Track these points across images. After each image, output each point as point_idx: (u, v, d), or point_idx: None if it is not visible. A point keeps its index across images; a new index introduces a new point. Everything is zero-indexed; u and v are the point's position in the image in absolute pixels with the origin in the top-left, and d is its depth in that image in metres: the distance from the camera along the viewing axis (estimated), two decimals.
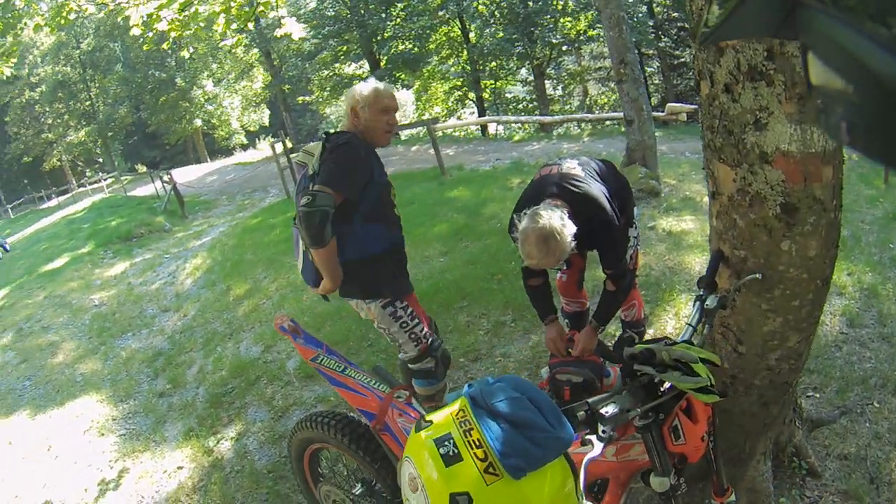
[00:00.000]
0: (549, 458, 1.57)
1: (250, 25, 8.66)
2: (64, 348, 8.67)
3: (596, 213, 3.18)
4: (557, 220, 2.90)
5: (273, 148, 13.91)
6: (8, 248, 21.80)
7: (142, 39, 8.31)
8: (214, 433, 5.22)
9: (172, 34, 7.62)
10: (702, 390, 1.81)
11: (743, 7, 0.79)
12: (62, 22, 7.83)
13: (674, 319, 5.09)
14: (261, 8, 7.61)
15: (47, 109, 44.52)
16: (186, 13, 7.41)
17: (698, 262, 6.01)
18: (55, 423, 6.63)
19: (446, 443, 1.56)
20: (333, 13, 28.53)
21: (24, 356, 8.94)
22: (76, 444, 5.98)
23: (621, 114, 9.06)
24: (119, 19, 8.28)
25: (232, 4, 7.44)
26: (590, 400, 1.84)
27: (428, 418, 1.73)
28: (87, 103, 45.23)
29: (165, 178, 18.24)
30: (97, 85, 44.89)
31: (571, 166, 3.39)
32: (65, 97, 44.38)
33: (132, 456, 5.37)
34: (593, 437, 1.88)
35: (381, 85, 3.41)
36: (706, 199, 7.68)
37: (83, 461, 5.62)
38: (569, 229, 2.91)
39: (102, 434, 5.95)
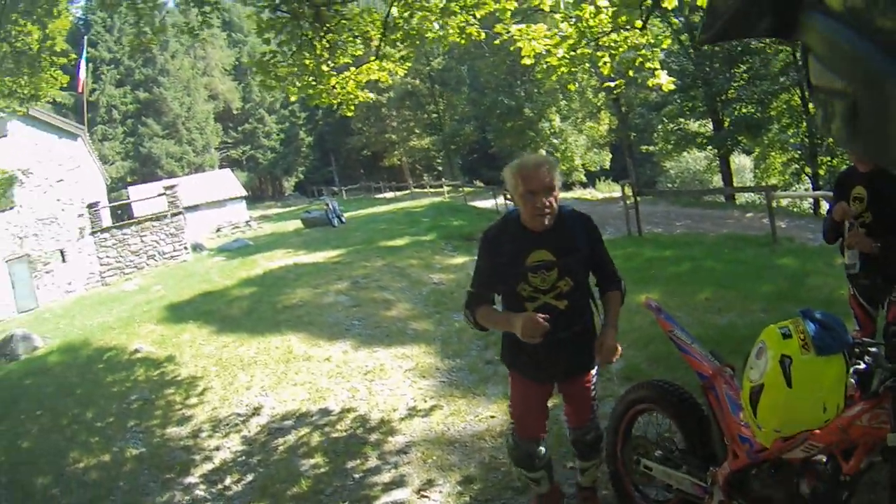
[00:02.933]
0: (836, 350, 2.45)
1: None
2: (398, 307, 10.20)
3: None
4: None
5: (623, 189, 14.96)
6: (344, 220, 25.28)
7: (535, 69, 9.31)
8: None
9: (562, 69, 8.49)
10: None
11: (744, 8, 0.85)
12: (461, 42, 9.00)
13: None
14: (640, 59, 8.12)
15: (393, 113, 50.36)
16: (574, 53, 8.21)
17: None
18: (378, 357, 8.01)
19: (786, 329, 2.59)
20: (678, 67, 28.80)
21: (358, 302, 10.70)
22: (395, 377, 7.23)
23: None
24: (507, 49, 9.22)
25: (613, 53, 8.05)
26: (864, 339, 2.65)
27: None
28: (434, 115, 50.29)
29: (509, 195, 19.95)
30: (444, 101, 49.71)
31: None
32: (411, 106, 49.94)
33: (448, 398, 6.37)
34: (860, 361, 2.56)
35: (528, 161, 3.26)
36: None
37: (398, 390, 6.83)
38: None
39: (423, 376, 7.09)
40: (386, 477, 5.08)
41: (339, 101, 8.95)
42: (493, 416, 5.76)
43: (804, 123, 27.24)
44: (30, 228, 22.59)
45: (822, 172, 28.19)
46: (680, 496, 3.39)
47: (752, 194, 24.81)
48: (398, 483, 4.95)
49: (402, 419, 6.09)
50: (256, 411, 7.01)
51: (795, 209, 19.37)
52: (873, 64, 0.59)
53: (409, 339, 8.46)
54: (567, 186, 41.08)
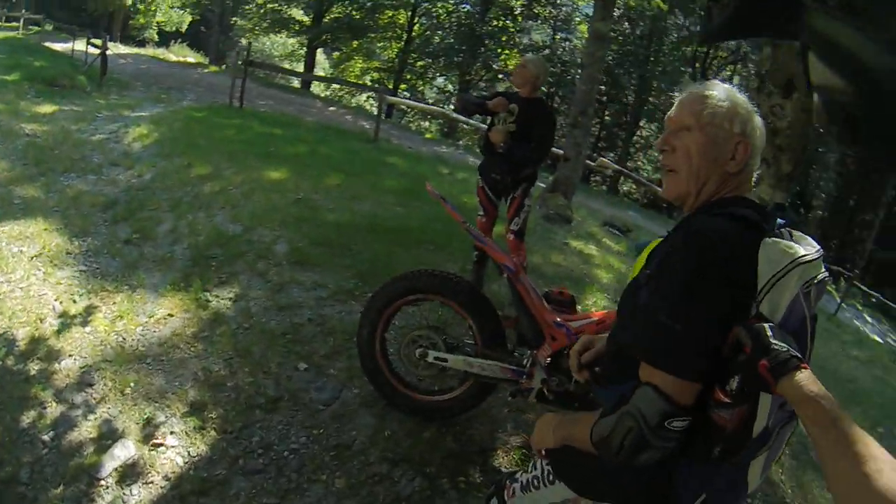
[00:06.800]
0: None
1: None
2: None
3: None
4: None
5: (231, 61, 15.21)
6: None
7: None
8: (206, 290, 5.37)
9: None
10: None
11: (744, 8, 0.88)
12: None
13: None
14: None
15: None
16: None
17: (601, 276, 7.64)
18: None
19: None
20: None
21: None
22: (21, 269, 5.77)
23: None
24: None
25: None
26: None
27: None
28: None
29: (97, 41, 17.73)
30: None
31: None
32: None
33: (100, 294, 5.42)
34: None
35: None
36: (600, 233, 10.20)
37: (33, 289, 5.49)
38: None
39: (56, 265, 5.88)
40: (89, 429, 3.97)
41: None
42: (170, 315, 5.11)
43: (402, 42, 32.39)
44: None
45: (402, 88, 33.12)
46: (474, 382, 3.72)
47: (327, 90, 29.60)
48: (109, 435, 3.90)
49: (58, 332, 4.90)
50: None
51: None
52: (873, 62, 0.60)
53: (20, 213, 6.82)
54: (140, 42, 38.14)
